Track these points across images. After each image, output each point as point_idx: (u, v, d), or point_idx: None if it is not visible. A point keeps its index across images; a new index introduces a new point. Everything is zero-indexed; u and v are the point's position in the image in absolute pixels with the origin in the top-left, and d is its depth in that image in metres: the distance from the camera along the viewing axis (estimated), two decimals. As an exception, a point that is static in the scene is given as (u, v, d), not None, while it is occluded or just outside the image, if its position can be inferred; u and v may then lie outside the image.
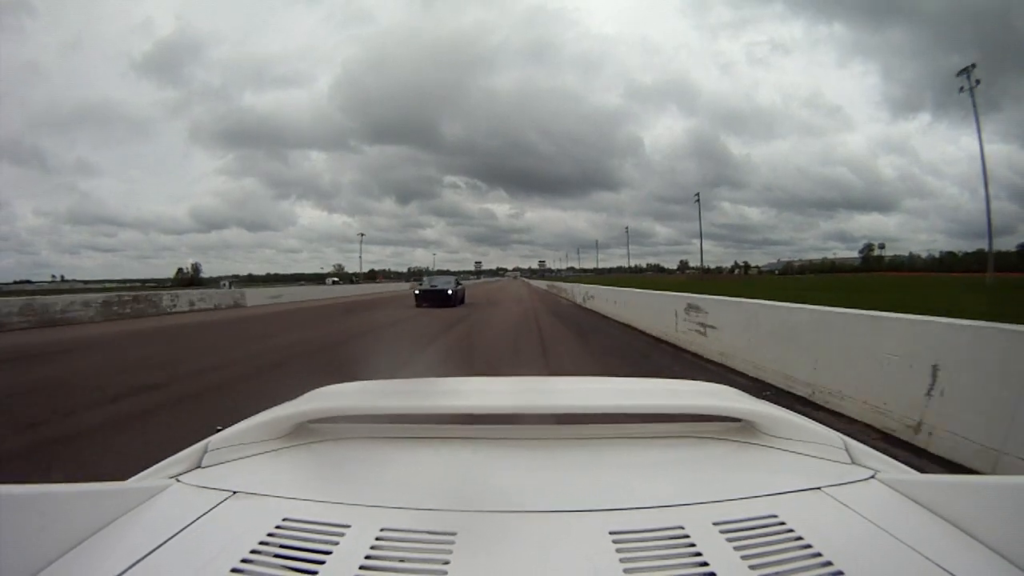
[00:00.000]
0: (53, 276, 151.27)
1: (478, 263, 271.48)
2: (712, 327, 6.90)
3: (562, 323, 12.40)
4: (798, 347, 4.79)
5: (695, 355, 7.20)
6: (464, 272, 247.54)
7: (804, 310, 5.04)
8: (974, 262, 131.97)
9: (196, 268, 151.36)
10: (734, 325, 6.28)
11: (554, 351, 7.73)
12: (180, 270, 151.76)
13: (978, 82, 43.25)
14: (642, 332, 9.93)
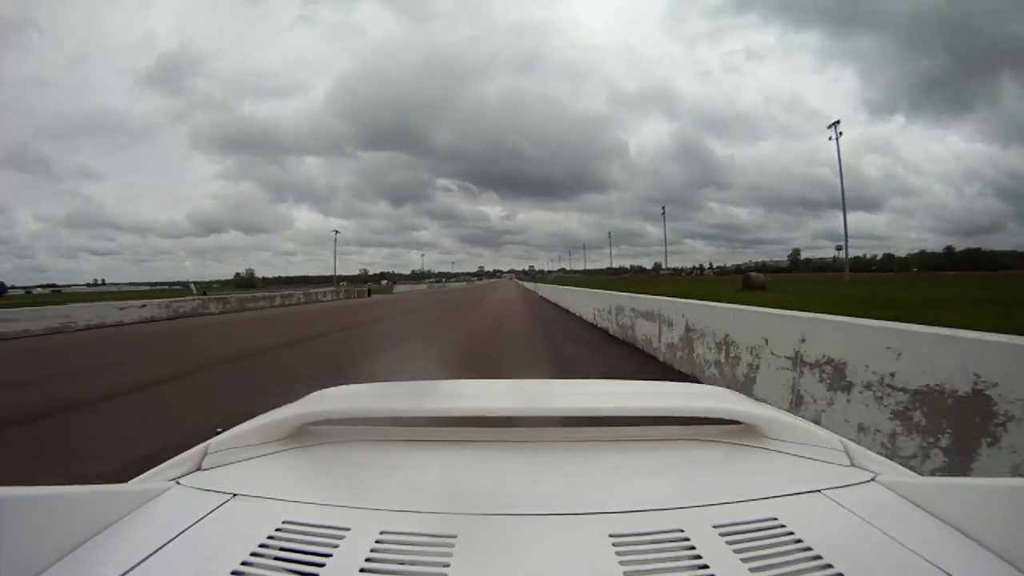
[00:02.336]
0: (95, 279, 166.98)
1: (481, 267, 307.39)
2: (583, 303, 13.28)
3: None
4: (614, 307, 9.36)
5: (567, 310, 15.28)
6: (466, 273, 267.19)
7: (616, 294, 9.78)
8: (899, 264, 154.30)
9: (251, 272, 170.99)
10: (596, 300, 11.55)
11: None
12: (238, 274, 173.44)
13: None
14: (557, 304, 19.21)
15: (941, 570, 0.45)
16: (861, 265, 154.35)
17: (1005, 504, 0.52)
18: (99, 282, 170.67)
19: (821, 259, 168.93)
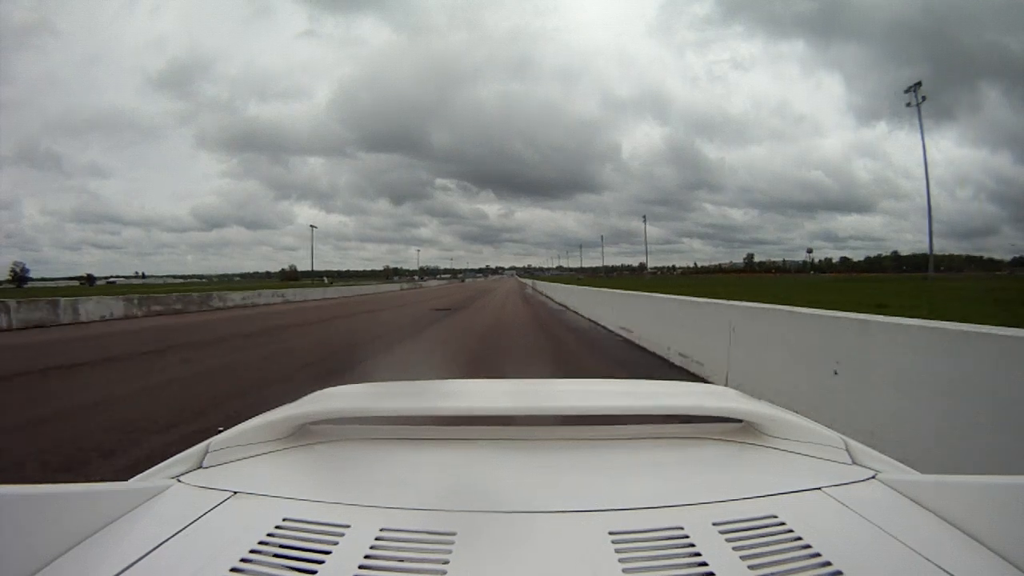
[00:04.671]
0: (136, 272, 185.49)
1: (487, 265, 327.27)
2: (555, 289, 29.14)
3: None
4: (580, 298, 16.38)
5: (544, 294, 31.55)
6: (471, 270, 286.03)
7: (588, 289, 16.54)
8: (842, 265, 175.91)
9: (294, 268, 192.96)
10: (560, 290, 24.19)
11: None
12: (283, 269, 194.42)
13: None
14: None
15: (941, 568, 0.45)
16: (807, 268, 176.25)
17: (1006, 502, 0.52)
18: (141, 275, 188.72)
19: (773, 262, 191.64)
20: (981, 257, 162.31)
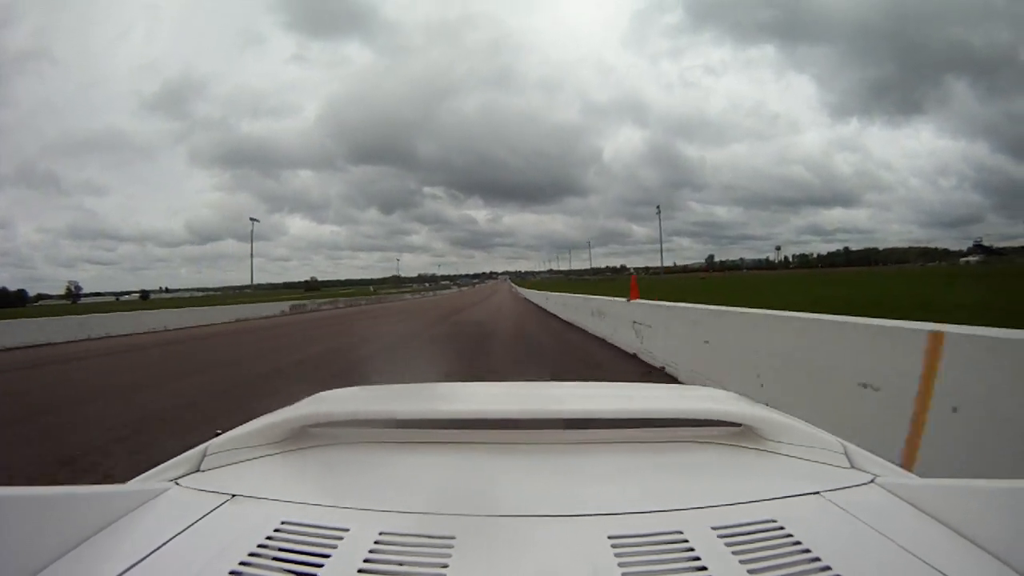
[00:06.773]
0: (160, 287, 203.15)
1: (483, 271, 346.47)
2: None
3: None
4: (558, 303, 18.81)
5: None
6: (467, 275, 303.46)
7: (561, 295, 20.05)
8: (798, 263, 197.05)
9: (315, 280, 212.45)
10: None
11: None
12: (306, 281, 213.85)
13: (660, 211, 74.25)
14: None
15: (940, 573, 0.45)
16: (761, 266, 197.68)
17: (1004, 506, 0.52)
18: (165, 289, 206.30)
19: (732, 261, 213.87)
20: (936, 248, 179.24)
